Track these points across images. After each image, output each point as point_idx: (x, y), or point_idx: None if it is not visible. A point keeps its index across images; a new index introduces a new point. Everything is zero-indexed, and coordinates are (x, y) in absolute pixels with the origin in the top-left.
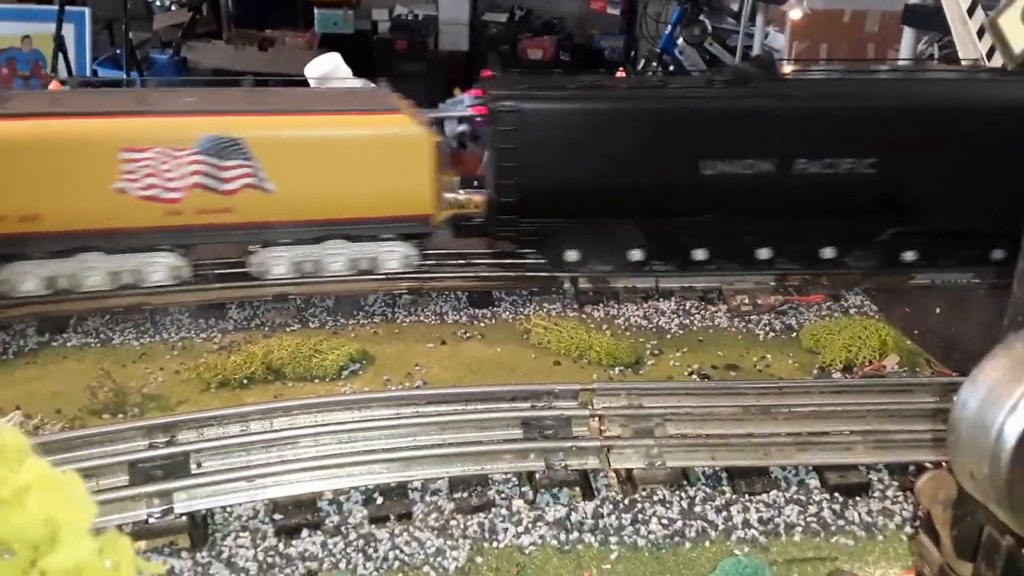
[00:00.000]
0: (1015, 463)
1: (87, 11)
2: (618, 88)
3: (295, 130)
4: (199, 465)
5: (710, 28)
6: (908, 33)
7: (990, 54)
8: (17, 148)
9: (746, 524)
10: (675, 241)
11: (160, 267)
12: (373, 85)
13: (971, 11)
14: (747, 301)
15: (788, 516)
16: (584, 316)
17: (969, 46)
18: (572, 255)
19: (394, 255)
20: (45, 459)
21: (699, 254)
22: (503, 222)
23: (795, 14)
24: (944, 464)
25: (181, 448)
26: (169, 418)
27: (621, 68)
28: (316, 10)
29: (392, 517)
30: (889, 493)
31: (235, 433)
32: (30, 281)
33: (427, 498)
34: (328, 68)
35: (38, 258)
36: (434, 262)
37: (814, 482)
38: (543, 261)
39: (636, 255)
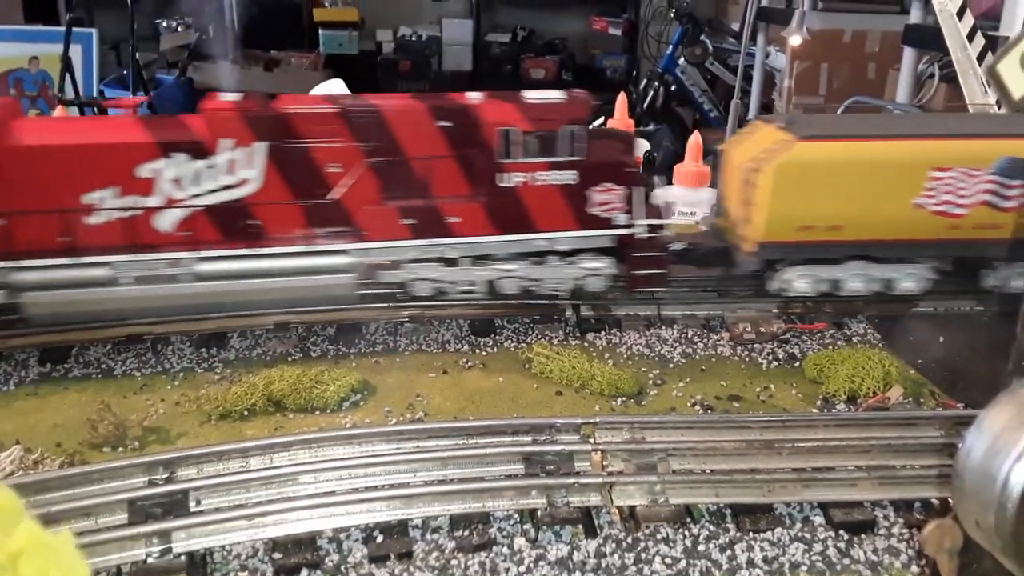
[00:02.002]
0: (1021, 512)
1: (94, 32)
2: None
3: None
4: (198, 502)
5: (711, 48)
6: (908, 53)
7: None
8: (836, 166)
9: (751, 564)
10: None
11: (913, 277)
12: None
13: (971, 36)
14: (750, 329)
15: (793, 555)
16: (586, 344)
17: (969, 71)
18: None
19: None
20: (42, 504)
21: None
22: None
23: (794, 40)
24: (951, 500)
25: (180, 486)
26: (169, 454)
27: (623, 90)
28: (321, 31)
29: (392, 556)
30: (895, 531)
31: (235, 469)
32: (801, 282)
33: (428, 536)
34: (333, 93)
35: (810, 263)
36: None
37: (819, 519)
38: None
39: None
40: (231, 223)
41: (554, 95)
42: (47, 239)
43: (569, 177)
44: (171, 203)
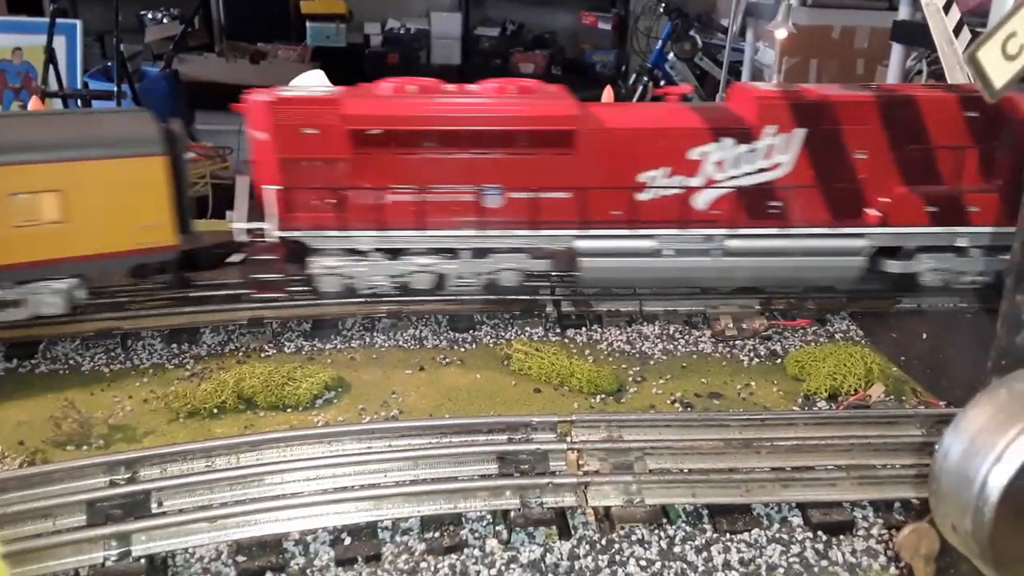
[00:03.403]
0: (999, 517)
1: (78, 23)
2: None
3: None
4: (160, 504)
5: (700, 43)
6: (897, 49)
7: None
8: None
9: (727, 565)
10: None
11: None
12: None
13: (957, 31)
14: (731, 325)
15: (770, 556)
16: (567, 340)
17: (956, 66)
18: None
19: None
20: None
21: None
22: None
23: (780, 34)
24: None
25: (142, 486)
26: (131, 454)
27: (608, 84)
28: (308, 23)
29: (360, 559)
30: (874, 532)
31: (199, 469)
32: None
33: (397, 538)
34: (312, 85)
35: None
36: None
37: (797, 520)
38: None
39: None
40: (756, 204)
41: None
42: (605, 212)
43: None
44: (710, 183)
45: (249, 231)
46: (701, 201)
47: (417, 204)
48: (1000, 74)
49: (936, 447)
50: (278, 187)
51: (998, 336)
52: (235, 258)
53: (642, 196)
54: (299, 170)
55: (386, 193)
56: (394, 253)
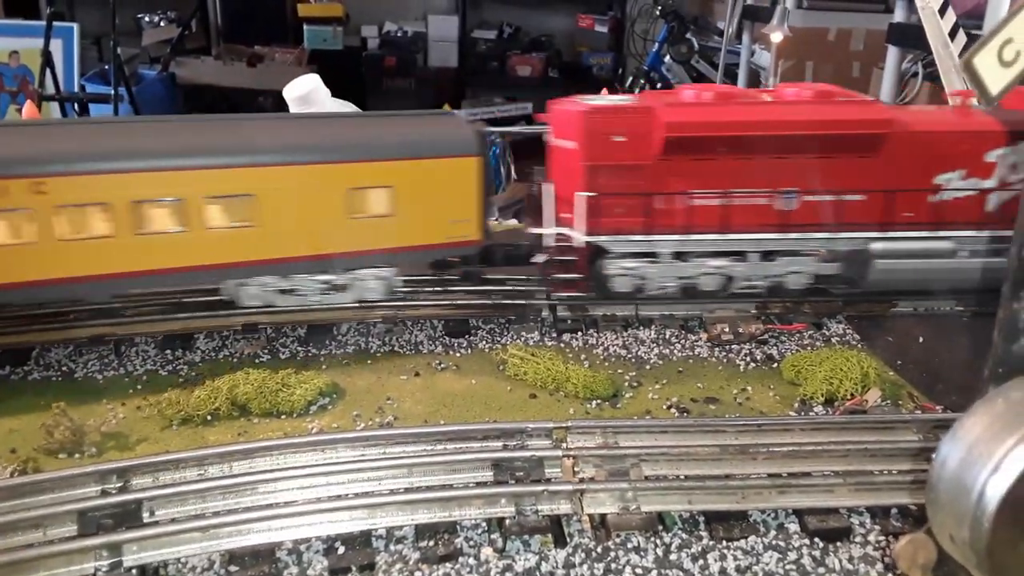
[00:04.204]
0: (997, 527)
1: (75, 27)
2: None
3: None
4: (152, 513)
5: (697, 46)
6: (892, 52)
7: None
8: None
9: (723, 573)
10: None
11: None
12: (353, 106)
13: (952, 34)
14: (728, 329)
15: (767, 564)
16: (562, 345)
17: (951, 69)
18: None
19: None
20: None
21: None
22: None
23: (776, 37)
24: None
25: (133, 495)
26: (123, 462)
27: (605, 87)
28: (305, 26)
29: (354, 568)
30: (871, 538)
31: (192, 478)
32: None
33: (392, 547)
34: (307, 89)
35: None
36: None
37: (794, 526)
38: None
39: None
40: None
41: None
42: (900, 214)
43: None
44: (1002, 186)
45: (557, 234)
46: (991, 204)
47: (715, 208)
48: (996, 80)
49: (933, 456)
50: (590, 193)
51: (995, 344)
52: (538, 258)
53: (937, 198)
54: (604, 177)
55: (688, 198)
56: (684, 256)
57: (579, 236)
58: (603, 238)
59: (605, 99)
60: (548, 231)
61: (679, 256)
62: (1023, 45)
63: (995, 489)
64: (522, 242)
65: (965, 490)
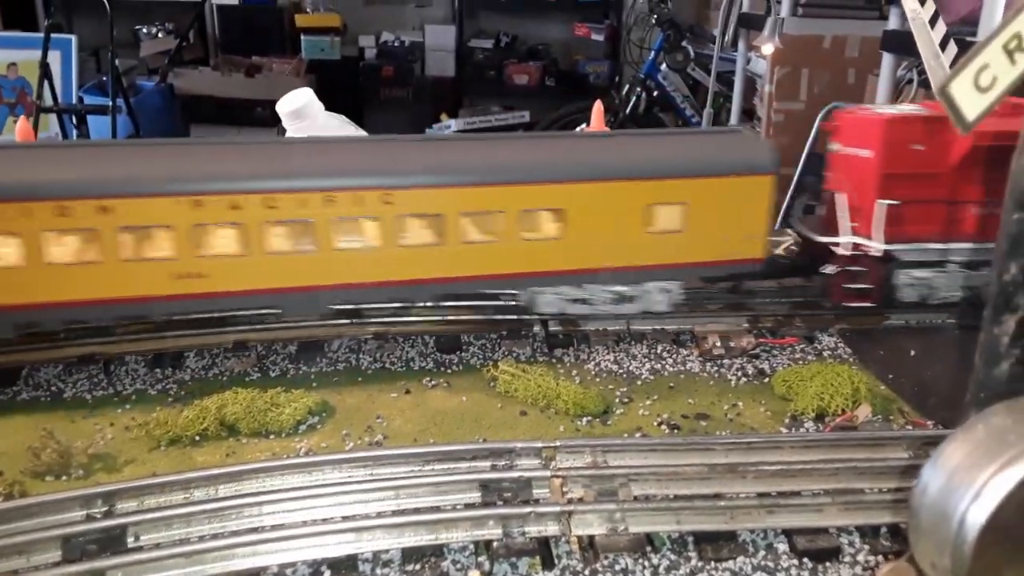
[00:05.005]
0: (978, 555)
1: (73, 38)
2: None
3: None
4: (136, 538)
5: (693, 54)
6: (887, 59)
7: None
8: None
9: None
10: None
11: None
12: (347, 120)
13: (943, 44)
14: (719, 344)
15: None
16: (554, 361)
17: (942, 78)
18: None
19: None
20: None
21: None
22: None
23: (767, 49)
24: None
25: (118, 520)
26: (109, 486)
27: (599, 99)
28: (303, 37)
29: None
30: (860, 558)
31: (177, 502)
32: None
33: (378, 570)
34: (301, 103)
35: None
36: None
37: (783, 546)
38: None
39: None
40: None
41: None
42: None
43: None
44: None
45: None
46: None
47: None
48: (972, 107)
49: (915, 483)
50: (891, 202)
51: (976, 368)
52: (828, 269)
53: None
54: (901, 185)
55: (981, 206)
56: (975, 265)
57: (877, 245)
58: (899, 247)
59: (897, 108)
60: (844, 240)
61: (968, 266)
62: (999, 71)
63: (975, 517)
64: (794, 253)
65: (946, 518)
